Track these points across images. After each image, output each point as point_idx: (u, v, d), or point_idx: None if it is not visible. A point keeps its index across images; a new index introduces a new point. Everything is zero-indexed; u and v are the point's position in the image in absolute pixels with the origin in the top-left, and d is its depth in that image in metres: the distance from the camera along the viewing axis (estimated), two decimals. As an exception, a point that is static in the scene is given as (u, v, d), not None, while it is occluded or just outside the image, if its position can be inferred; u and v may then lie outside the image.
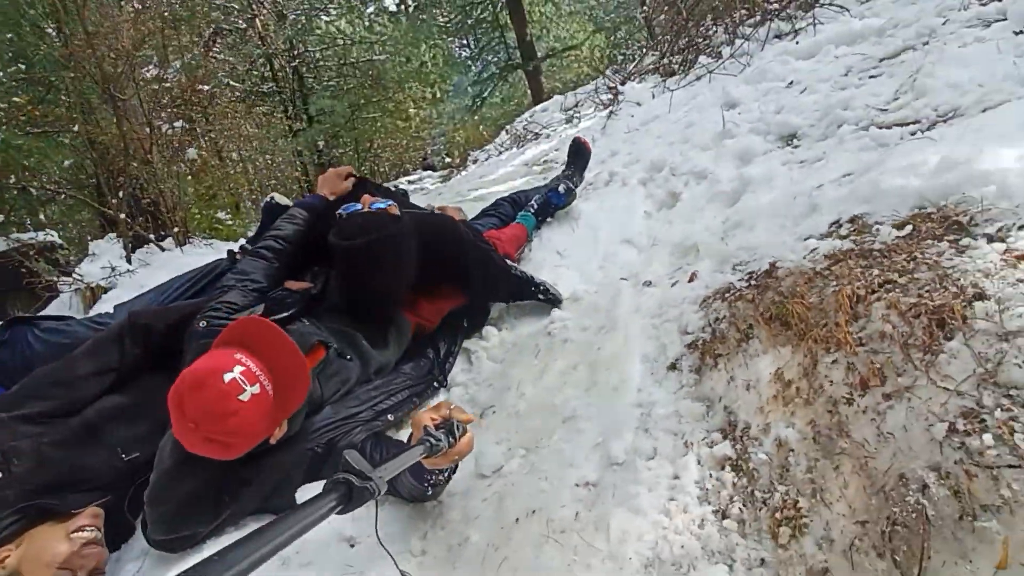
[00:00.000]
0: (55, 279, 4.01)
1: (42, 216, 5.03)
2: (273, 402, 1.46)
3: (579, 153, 3.25)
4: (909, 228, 1.39)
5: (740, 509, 1.18)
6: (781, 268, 1.61)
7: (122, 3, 5.22)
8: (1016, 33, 2.33)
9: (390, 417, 1.95)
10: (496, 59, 10.94)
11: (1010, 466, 0.83)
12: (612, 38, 10.76)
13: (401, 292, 2.21)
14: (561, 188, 3.01)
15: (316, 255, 2.24)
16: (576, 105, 7.16)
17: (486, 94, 10.75)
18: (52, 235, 4.16)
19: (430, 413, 1.35)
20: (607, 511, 1.36)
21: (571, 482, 1.51)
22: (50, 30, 4.80)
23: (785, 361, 1.35)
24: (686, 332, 1.78)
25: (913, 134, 1.90)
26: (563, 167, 3.32)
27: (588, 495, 1.45)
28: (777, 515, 1.11)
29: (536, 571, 1.32)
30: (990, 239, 1.20)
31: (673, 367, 1.71)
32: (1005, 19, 2.55)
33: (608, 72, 7.64)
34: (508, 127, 7.86)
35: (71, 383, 1.81)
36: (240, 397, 1.38)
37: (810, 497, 1.08)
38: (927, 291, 1.14)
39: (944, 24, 2.93)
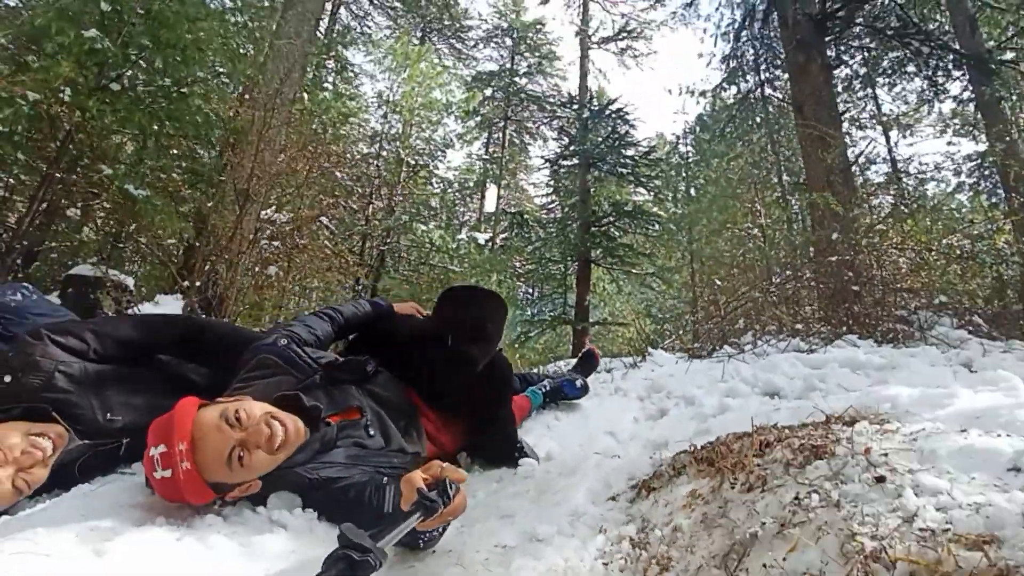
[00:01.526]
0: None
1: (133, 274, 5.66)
2: (188, 482, 1.48)
3: (588, 360, 3.65)
4: (823, 420, 1.72)
5: (624, 560, 1.35)
6: (722, 437, 1.90)
7: (287, 144, 6.53)
8: (971, 372, 2.80)
9: (384, 480, 1.87)
10: (552, 310, 12.09)
11: (822, 507, 1.07)
12: (659, 327, 11.89)
13: (486, 346, 2.34)
14: (578, 383, 3.33)
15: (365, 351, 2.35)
16: (610, 370, 7.78)
17: (532, 335, 11.64)
18: (128, 281, 4.65)
19: (422, 473, 1.37)
20: (513, 558, 1.51)
21: (490, 544, 1.66)
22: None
23: (702, 485, 1.59)
24: (632, 477, 2.01)
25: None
26: (570, 371, 3.70)
27: (501, 551, 1.60)
28: (652, 561, 1.28)
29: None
30: (871, 422, 1.51)
31: (613, 499, 1.91)
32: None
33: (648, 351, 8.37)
34: (540, 368, 8.46)
35: (102, 337, 2.02)
36: (154, 475, 1.50)
37: (684, 550, 1.26)
38: (815, 439, 1.44)
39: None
